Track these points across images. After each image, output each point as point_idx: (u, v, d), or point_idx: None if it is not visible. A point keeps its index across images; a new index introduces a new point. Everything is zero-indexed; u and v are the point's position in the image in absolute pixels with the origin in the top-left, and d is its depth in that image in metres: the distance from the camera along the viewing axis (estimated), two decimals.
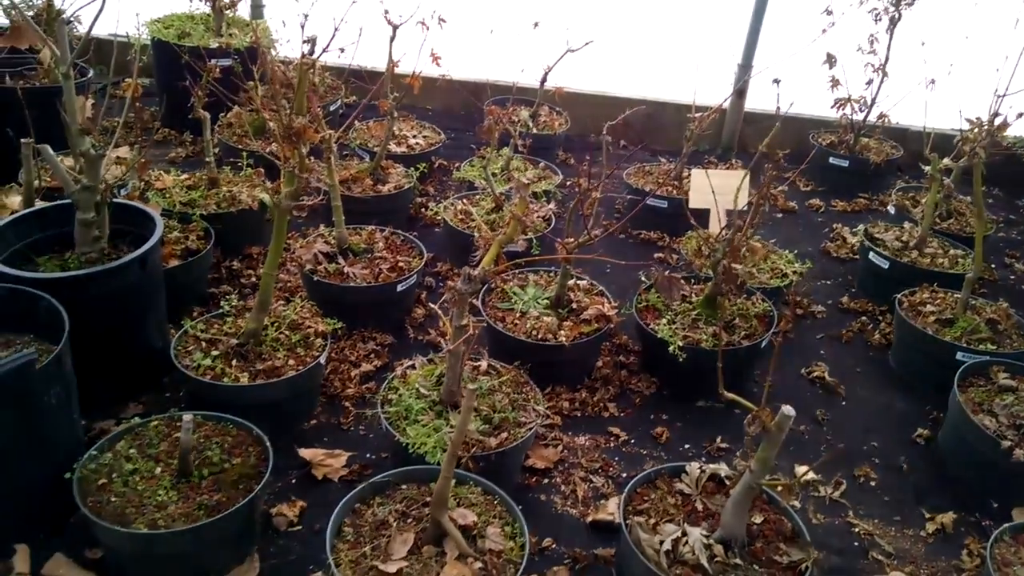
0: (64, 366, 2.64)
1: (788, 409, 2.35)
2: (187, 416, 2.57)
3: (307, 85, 2.96)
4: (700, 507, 2.72)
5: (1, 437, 2.47)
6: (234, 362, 3.12)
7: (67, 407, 2.69)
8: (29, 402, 2.50)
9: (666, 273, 2.72)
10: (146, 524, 2.45)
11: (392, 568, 2.37)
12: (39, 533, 2.69)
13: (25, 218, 3.25)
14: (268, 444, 2.75)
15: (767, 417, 2.40)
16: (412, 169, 4.75)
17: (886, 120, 5.58)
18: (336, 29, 3.07)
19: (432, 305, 3.12)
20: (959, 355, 3.57)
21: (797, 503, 3.10)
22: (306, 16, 2.95)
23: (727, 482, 2.78)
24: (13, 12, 4.05)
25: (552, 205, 4.48)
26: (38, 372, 2.48)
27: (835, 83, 5.47)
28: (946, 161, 4.23)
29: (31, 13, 4.77)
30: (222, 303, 3.40)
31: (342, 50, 4.33)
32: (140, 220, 3.39)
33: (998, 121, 3.68)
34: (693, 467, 2.83)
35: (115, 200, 3.39)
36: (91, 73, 4.84)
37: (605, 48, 5.82)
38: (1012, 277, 4.89)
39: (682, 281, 2.84)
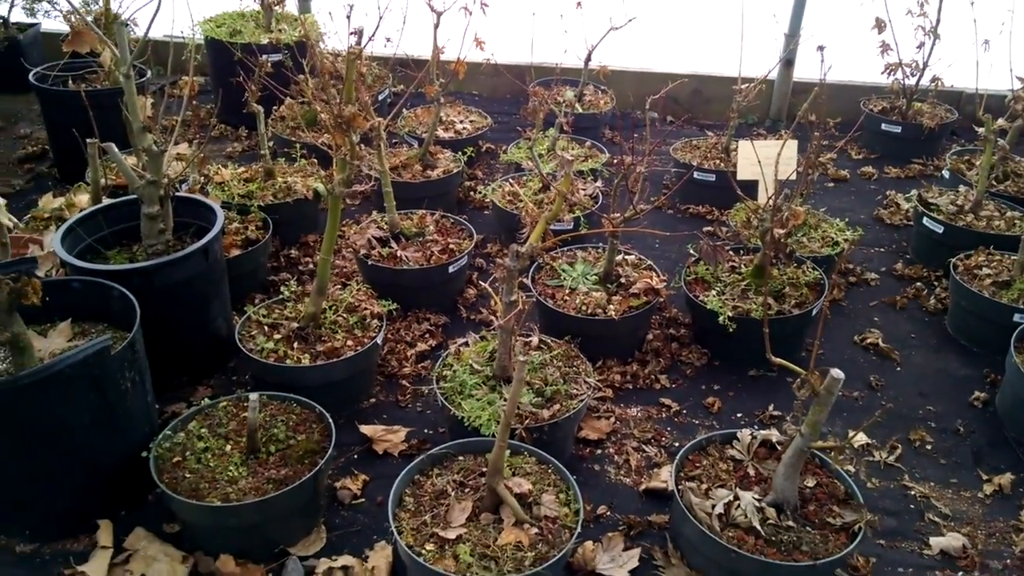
0: (137, 352, 2.79)
1: (837, 372, 2.38)
2: (253, 396, 2.70)
3: (355, 75, 3.06)
4: (752, 472, 2.76)
5: (82, 419, 2.63)
6: (295, 344, 3.25)
7: (142, 390, 2.84)
8: (106, 386, 2.65)
9: (711, 243, 2.75)
10: (219, 498, 2.59)
11: (452, 535, 2.47)
12: (120, 509, 2.86)
13: (93, 214, 3.42)
14: (330, 421, 2.87)
15: (816, 380, 2.43)
16: (460, 153, 4.83)
17: (939, 83, 5.47)
18: (380, 18, 3.15)
19: (483, 284, 3.20)
20: (1016, 317, 3.52)
21: (852, 468, 3.11)
22: (352, 7, 3.03)
23: (778, 447, 2.81)
24: (75, 17, 4.24)
25: (599, 183, 4.51)
26: (114, 357, 2.63)
27: (885, 48, 5.39)
28: (1000, 122, 4.15)
29: (91, 18, 4.97)
30: (282, 289, 3.54)
31: (388, 39, 4.44)
32: (202, 212, 3.54)
33: None
34: (744, 433, 2.87)
35: (177, 194, 3.54)
36: (148, 74, 5.02)
37: (649, 24, 5.82)
38: None
39: (728, 250, 2.85)
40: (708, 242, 2.75)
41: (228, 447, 2.80)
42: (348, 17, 2.87)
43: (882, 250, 4.60)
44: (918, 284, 4.23)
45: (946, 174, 4.94)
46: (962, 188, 4.53)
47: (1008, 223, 4.21)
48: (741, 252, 3.87)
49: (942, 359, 3.73)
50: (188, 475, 2.67)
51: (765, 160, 3.75)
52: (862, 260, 4.46)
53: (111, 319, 3.01)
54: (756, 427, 3.30)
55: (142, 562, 2.67)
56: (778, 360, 2.53)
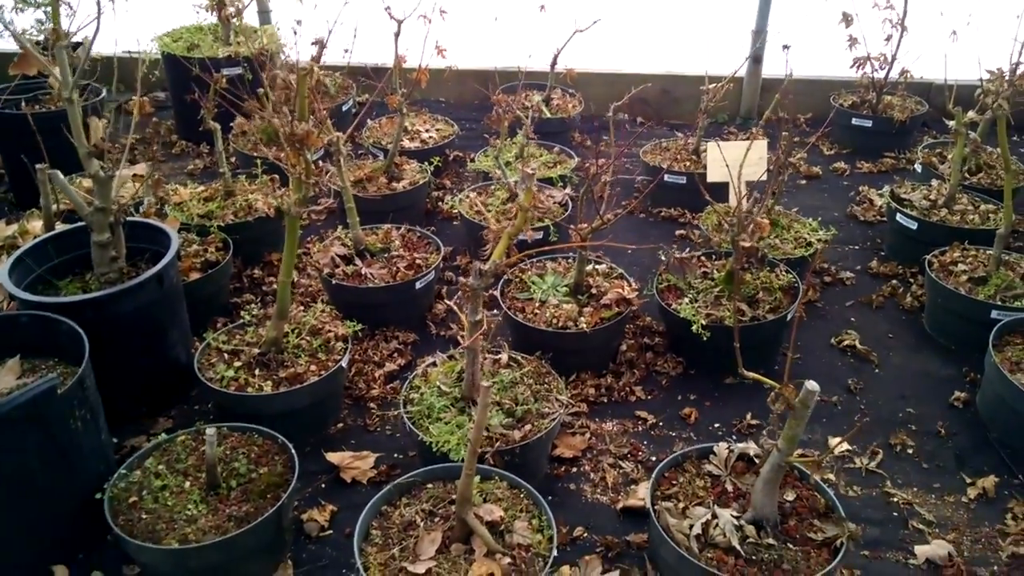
0: (87, 388, 2.67)
1: (812, 384, 2.30)
2: (210, 430, 2.59)
3: (307, 89, 2.95)
4: (730, 488, 2.67)
5: (30, 463, 2.51)
6: (257, 371, 3.14)
7: (94, 428, 2.72)
8: (55, 427, 2.53)
9: (677, 253, 2.67)
10: (177, 539, 2.48)
11: (421, 568, 2.37)
12: (78, 552, 2.74)
13: (43, 244, 3.29)
14: (293, 452, 2.76)
15: (791, 394, 2.35)
16: (426, 163, 4.73)
17: (908, 76, 5.43)
18: (330, 30, 3.05)
19: (448, 302, 3.10)
20: (994, 313, 3.47)
21: (832, 476, 3.04)
22: (300, 22, 2.93)
23: (757, 461, 2.73)
24: (20, 38, 4.11)
25: (569, 190, 4.43)
26: (61, 397, 2.52)
27: (853, 42, 5.34)
28: (971, 114, 4.08)
29: (41, 36, 4.83)
30: (242, 313, 3.42)
31: (347, 50, 4.34)
32: (157, 237, 3.42)
33: (1021, 70, 3.55)
34: (721, 447, 2.79)
35: (130, 219, 3.42)
36: (104, 93, 4.89)
37: (616, 26, 5.76)
38: None
39: (696, 260, 2.77)
40: (676, 254, 2.67)
41: (187, 484, 2.68)
42: (294, 31, 2.76)
43: (856, 248, 4.54)
44: (894, 282, 4.17)
45: (918, 168, 4.90)
46: (935, 182, 4.48)
47: (982, 216, 4.16)
48: (713, 257, 3.80)
49: (921, 359, 3.67)
50: (144, 516, 2.56)
51: (734, 161, 3.67)
52: (836, 259, 4.40)
53: (62, 354, 2.89)
54: (734, 438, 3.23)
55: None
56: (751, 374, 2.45)
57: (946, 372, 3.58)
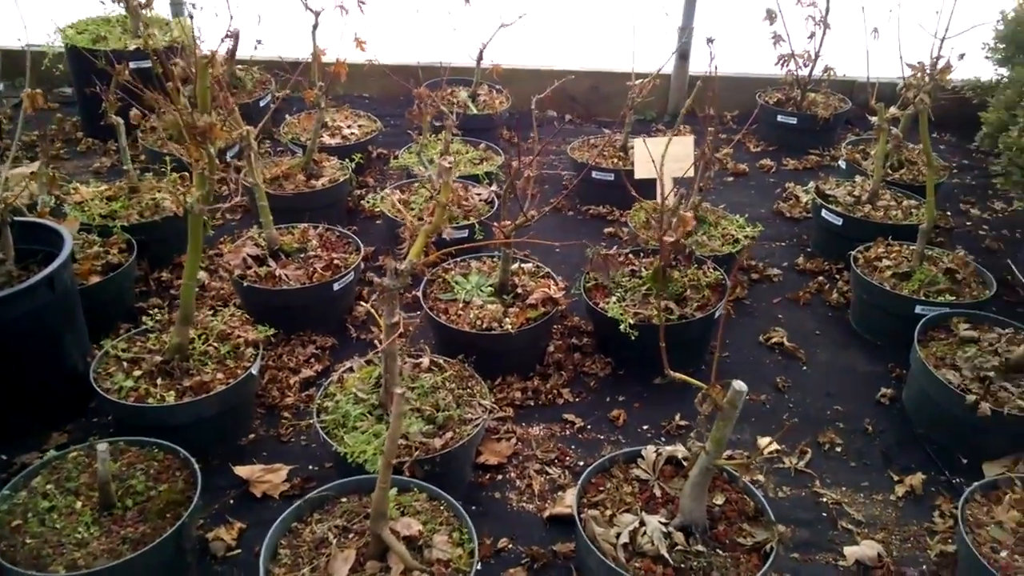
0: None
1: (739, 384, 2.23)
2: (101, 446, 2.39)
3: (208, 80, 2.76)
4: (658, 493, 2.58)
5: None
6: (159, 381, 2.93)
7: None
8: None
9: (601, 252, 2.57)
10: (64, 565, 2.27)
11: None
12: None
13: None
14: (196, 467, 2.57)
15: (718, 394, 2.27)
16: (348, 160, 4.55)
17: (832, 73, 5.47)
18: (227, 18, 2.87)
19: (364, 303, 2.95)
20: (918, 308, 3.47)
21: (762, 478, 2.98)
22: (217, 15, 2.74)
23: (685, 463, 2.65)
24: None
25: (495, 187, 4.30)
26: None
27: (777, 39, 5.35)
28: (892, 110, 4.10)
29: None
30: (144, 319, 3.21)
31: (259, 41, 4.14)
32: (50, 238, 3.18)
33: (941, 64, 3.56)
34: (649, 451, 2.69)
35: (21, 219, 3.18)
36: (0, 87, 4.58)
37: (543, 21, 5.65)
38: (968, 224, 4.81)
39: (620, 257, 2.68)
40: (599, 252, 2.57)
41: (78, 504, 2.47)
42: (191, 16, 2.57)
43: (783, 244, 4.53)
44: (820, 278, 4.16)
45: (842, 164, 4.92)
46: (859, 178, 4.49)
47: (905, 212, 4.19)
48: (641, 255, 3.72)
49: (847, 356, 3.65)
50: (29, 540, 2.35)
51: (660, 158, 3.61)
52: (764, 256, 4.37)
53: None
54: (663, 440, 3.15)
55: None
56: (678, 375, 2.36)
57: (872, 368, 3.57)
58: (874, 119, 4.15)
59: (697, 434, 2.44)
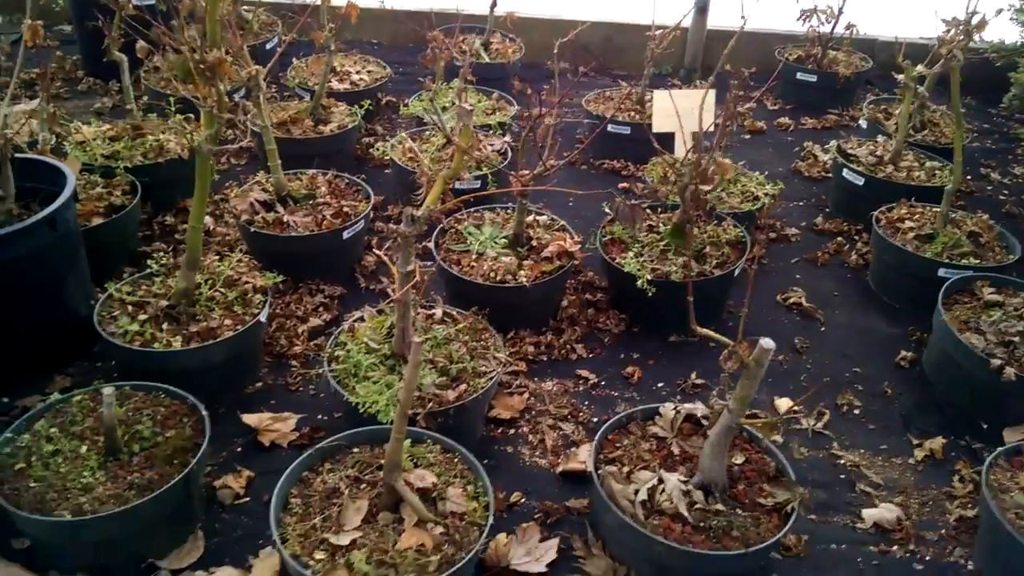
0: None
1: (767, 342, 2.15)
2: (107, 389, 2.32)
3: (218, 14, 2.64)
4: (677, 451, 2.53)
5: None
6: (165, 325, 2.86)
7: None
8: None
9: (627, 201, 2.47)
10: (70, 510, 2.21)
11: (345, 540, 2.16)
12: None
13: None
14: (204, 413, 2.51)
15: (745, 352, 2.20)
16: (356, 107, 4.43)
17: (855, 30, 5.32)
18: None
19: (377, 251, 2.86)
20: (941, 271, 3.39)
21: (780, 438, 2.92)
22: None
23: (704, 422, 2.59)
24: None
25: (508, 138, 4.19)
26: None
27: None
28: (920, 68, 3.98)
29: None
30: (149, 262, 3.12)
31: None
32: (52, 176, 3.08)
33: (976, 20, 3.43)
34: (667, 408, 2.63)
35: (21, 156, 3.08)
36: None
37: None
38: (989, 188, 4.71)
39: (646, 209, 2.58)
40: (625, 201, 2.47)
41: (83, 448, 2.41)
42: None
43: (801, 204, 4.44)
44: (839, 239, 4.08)
45: (863, 124, 4.80)
46: (880, 138, 4.38)
47: (928, 174, 4.09)
48: (659, 210, 3.63)
49: (866, 317, 3.58)
50: (33, 484, 2.29)
51: (681, 111, 3.50)
52: (781, 215, 4.28)
53: None
54: (679, 397, 3.09)
55: None
56: (703, 331, 2.29)
57: (891, 331, 3.50)
58: (901, 77, 4.03)
59: (720, 392, 2.37)
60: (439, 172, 2.49)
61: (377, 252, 2.83)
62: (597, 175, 4.63)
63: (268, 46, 5.21)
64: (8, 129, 2.91)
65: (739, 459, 2.50)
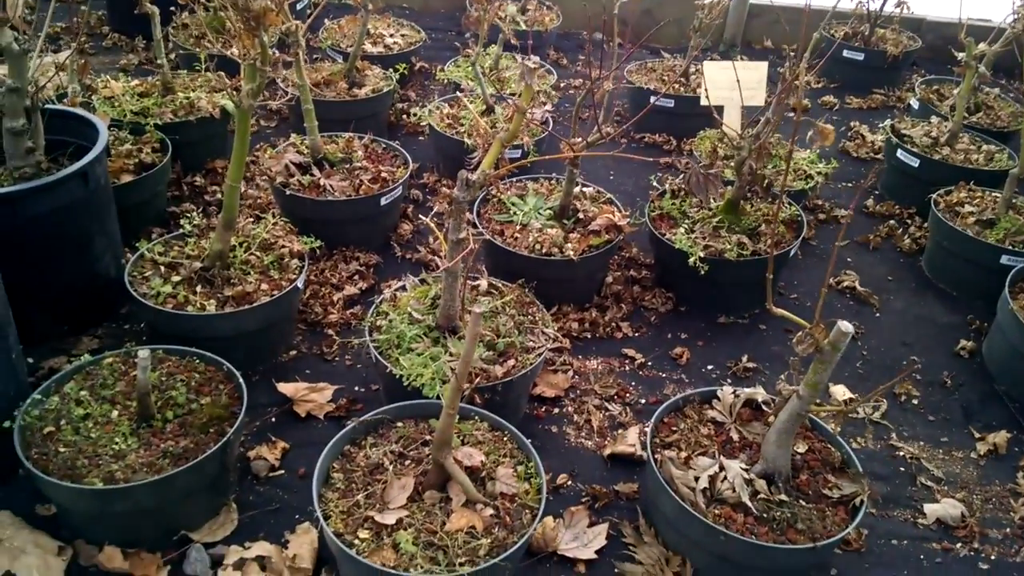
0: None
1: (845, 325, 2.02)
2: (143, 352, 2.19)
3: None
4: (736, 437, 2.40)
5: None
6: (199, 288, 2.74)
7: (2, 346, 2.30)
8: None
9: (700, 168, 2.33)
10: (101, 477, 2.10)
11: (390, 519, 2.05)
12: None
13: None
14: (241, 380, 2.39)
15: (821, 335, 2.06)
16: (390, 71, 4.28)
17: (905, 7, 5.13)
18: None
19: (423, 218, 2.73)
20: (1004, 259, 3.24)
21: (835, 426, 2.79)
22: None
23: (764, 408, 2.46)
24: None
25: (548, 107, 4.03)
26: None
27: None
28: (982, 47, 3.81)
29: None
30: (183, 222, 2.99)
31: None
32: (82, 130, 2.95)
33: None
34: (726, 392, 2.50)
35: (51, 107, 2.95)
36: None
37: None
38: None
39: (721, 181, 2.44)
40: (699, 170, 2.33)
41: (115, 413, 2.30)
42: None
43: (849, 185, 4.28)
44: (891, 222, 3.92)
45: (914, 104, 4.63)
46: (935, 119, 4.21)
47: (986, 157, 3.92)
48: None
49: (922, 304, 3.44)
50: (63, 449, 2.17)
51: (732, 83, 3.34)
52: (830, 196, 4.12)
53: None
54: (729, 381, 2.96)
55: (6, 555, 2.17)
56: (779, 311, 2.15)
57: (949, 319, 3.36)
58: (961, 55, 3.86)
59: (788, 377, 2.24)
60: (495, 135, 2.35)
61: (423, 219, 2.70)
62: (638, 149, 4.47)
63: (298, 6, 5.05)
64: (40, 76, 2.78)
65: (802, 448, 2.37)
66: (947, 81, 4.81)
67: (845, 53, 5.24)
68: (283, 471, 2.51)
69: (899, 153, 3.95)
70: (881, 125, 4.41)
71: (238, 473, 2.46)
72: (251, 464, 2.50)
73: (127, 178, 3.24)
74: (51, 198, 2.61)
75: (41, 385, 2.34)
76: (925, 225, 3.72)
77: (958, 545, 2.45)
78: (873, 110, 5.08)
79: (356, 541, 2.00)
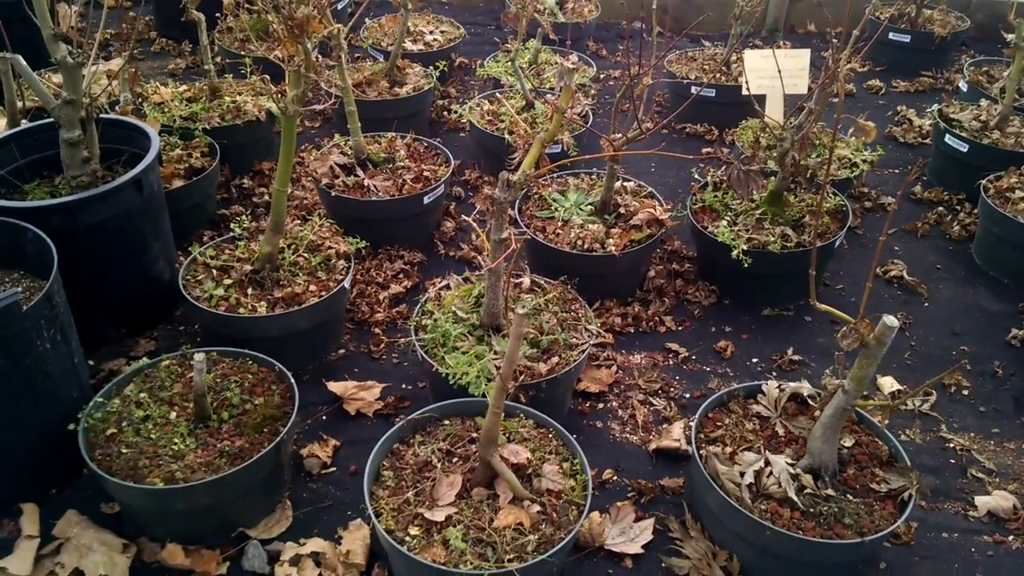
0: (56, 305, 2.33)
1: (890, 319, 2.01)
2: (199, 356, 2.27)
3: None
4: (781, 431, 2.40)
5: None
6: (249, 290, 2.81)
7: (65, 350, 2.39)
8: (19, 348, 2.20)
9: (742, 166, 2.32)
10: (162, 477, 2.18)
11: (439, 516, 2.10)
12: (50, 488, 2.45)
13: (5, 142, 2.91)
14: (293, 381, 2.45)
15: (866, 329, 2.05)
16: (431, 68, 4.32)
17: None
18: None
19: (465, 217, 2.77)
20: None
21: (883, 418, 2.77)
22: None
23: (810, 402, 2.46)
24: None
25: (588, 100, 4.04)
26: (25, 315, 2.18)
27: None
28: None
29: None
30: (232, 226, 3.07)
31: None
32: (135, 138, 3.05)
33: None
34: (771, 386, 2.50)
35: (104, 116, 3.04)
36: None
37: None
38: None
39: (757, 176, 2.43)
40: (739, 166, 2.32)
41: (173, 414, 2.38)
42: None
43: (896, 171, 4.21)
44: (940, 209, 3.86)
45: (963, 87, 4.53)
46: (984, 102, 4.12)
47: None
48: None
49: (972, 293, 3.38)
50: (125, 450, 2.26)
51: (773, 72, 3.31)
52: (876, 183, 4.07)
53: (27, 265, 2.54)
54: (774, 375, 2.95)
55: (74, 552, 2.27)
56: (823, 307, 2.14)
57: (1000, 308, 3.30)
58: (1010, 36, 3.77)
59: (834, 371, 2.24)
60: (535, 135, 2.37)
61: (465, 219, 2.73)
62: (679, 140, 4.46)
63: (340, 6, 5.11)
64: (95, 85, 2.87)
65: (848, 442, 2.36)
66: (997, 62, 4.70)
67: (891, 35, 5.14)
68: (335, 468, 2.57)
69: (947, 138, 3.88)
70: (929, 109, 4.33)
71: (292, 471, 2.53)
72: (304, 462, 2.57)
73: (178, 183, 3.33)
74: (107, 206, 2.70)
75: (102, 388, 2.43)
76: (974, 212, 3.66)
77: (1010, 538, 2.43)
78: (920, 93, 4.99)
79: (407, 538, 2.05)
